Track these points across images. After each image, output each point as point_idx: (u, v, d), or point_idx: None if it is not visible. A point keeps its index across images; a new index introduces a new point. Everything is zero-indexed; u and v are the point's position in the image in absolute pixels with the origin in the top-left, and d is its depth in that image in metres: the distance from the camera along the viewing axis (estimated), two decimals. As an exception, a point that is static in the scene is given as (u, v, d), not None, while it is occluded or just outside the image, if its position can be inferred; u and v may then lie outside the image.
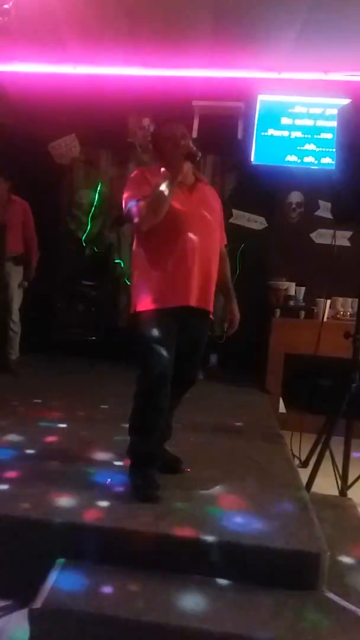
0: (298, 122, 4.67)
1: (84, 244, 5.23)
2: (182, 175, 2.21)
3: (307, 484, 2.73)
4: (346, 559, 2.19)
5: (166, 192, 2.14)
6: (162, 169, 2.25)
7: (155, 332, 2.22)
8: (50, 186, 5.04)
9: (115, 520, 2.01)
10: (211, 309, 2.38)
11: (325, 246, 4.61)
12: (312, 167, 4.67)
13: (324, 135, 4.63)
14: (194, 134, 4.69)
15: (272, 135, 4.69)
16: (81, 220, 5.26)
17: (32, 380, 4.23)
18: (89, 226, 5.25)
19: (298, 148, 4.68)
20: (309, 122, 4.67)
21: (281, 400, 4.28)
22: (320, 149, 4.66)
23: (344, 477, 2.91)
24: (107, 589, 1.80)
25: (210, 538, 1.94)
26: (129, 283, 4.66)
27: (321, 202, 4.75)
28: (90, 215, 5.24)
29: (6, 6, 3.11)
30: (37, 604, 1.71)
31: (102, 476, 2.42)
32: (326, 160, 4.59)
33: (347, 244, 4.63)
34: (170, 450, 2.60)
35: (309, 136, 4.67)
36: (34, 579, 1.84)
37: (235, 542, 1.94)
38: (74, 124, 4.94)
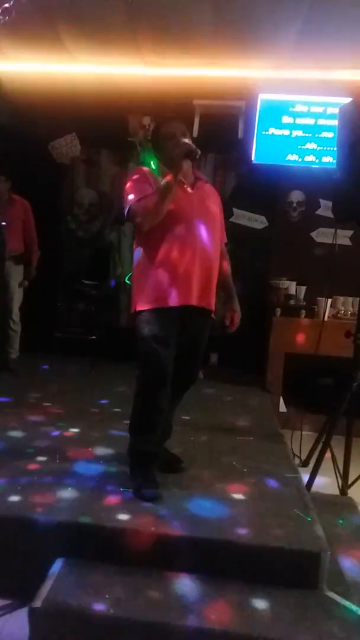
0: (299, 121, 4.66)
1: (85, 243, 5.23)
2: (182, 174, 2.21)
3: (307, 483, 2.73)
4: (347, 559, 2.19)
5: (167, 191, 2.14)
6: (165, 169, 2.24)
7: (155, 331, 2.22)
8: (50, 185, 5.04)
9: (115, 519, 2.01)
10: (213, 307, 2.37)
11: (326, 245, 4.60)
12: (313, 166, 4.66)
13: (325, 134, 4.62)
14: (195, 133, 4.68)
15: (273, 134, 4.68)
16: (81, 220, 5.26)
17: (31, 379, 4.23)
18: (89, 225, 5.25)
19: (299, 147, 4.67)
20: (310, 121, 4.65)
21: (281, 400, 4.28)
22: (321, 148, 4.64)
23: (345, 476, 2.91)
24: (106, 588, 1.80)
25: (210, 537, 1.94)
26: (129, 282, 4.67)
27: (322, 201, 4.74)
28: (90, 214, 5.24)
29: (7, 5, 3.10)
30: (37, 603, 1.71)
31: (102, 475, 2.42)
32: (327, 159, 4.58)
33: (348, 243, 4.62)
34: (171, 450, 2.60)
35: (310, 135, 4.66)
36: (34, 578, 1.84)
37: (235, 541, 1.94)
38: (74, 123, 4.93)
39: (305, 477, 2.76)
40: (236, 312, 2.46)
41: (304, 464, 3.16)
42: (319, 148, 4.65)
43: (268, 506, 2.22)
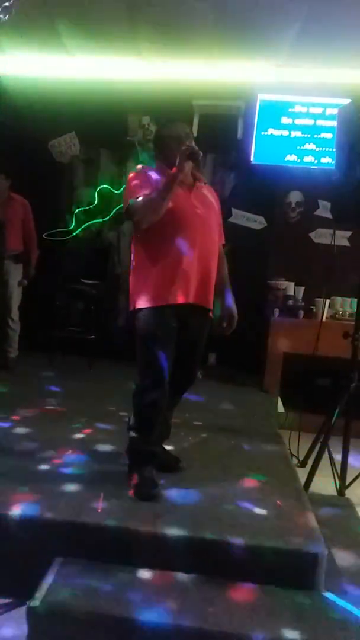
0: (298, 121, 4.67)
1: (84, 243, 5.23)
2: (182, 175, 2.21)
3: (305, 483, 2.74)
4: (344, 559, 2.19)
5: (166, 192, 2.15)
6: (166, 169, 2.25)
7: (154, 330, 2.22)
8: (50, 184, 5.04)
9: (114, 518, 2.01)
10: (211, 306, 2.38)
11: (325, 246, 4.60)
12: (311, 166, 4.67)
13: (324, 135, 4.63)
14: (194, 133, 4.68)
15: (272, 135, 4.69)
16: (81, 219, 5.26)
17: (31, 378, 4.23)
18: (88, 224, 5.25)
19: (298, 148, 4.68)
20: (309, 122, 4.66)
21: (280, 400, 4.28)
22: (320, 149, 4.65)
23: (342, 477, 2.92)
24: (105, 588, 1.80)
25: (208, 537, 1.95)
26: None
27: (321, 202, 4.75)
28: (90, 213, 5.24)
29: (6, 4, 3.10)
30: (36, 602, 1.71)
31: (101, 474, 2.42)
32: (326, 160, 4.59)
33: (347, 243, 4.63)
34: (169, 449, 2.60)
35: (309, 136, 4.67)
36: (33, 577, 1.84)
37: (233, 542, 1.94)
38: (73, 122, 4.93)
39: (303, 478, 2.77)
40: (233, 314, 2.48)
41: (302, 464, 3.17)
42: (317, 149, 4.66)
43: (266, 507, 2.23)
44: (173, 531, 1.96)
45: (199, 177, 2.42)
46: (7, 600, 1.94)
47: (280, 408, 4.24)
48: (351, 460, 2.94)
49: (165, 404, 2.30)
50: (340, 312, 4.40)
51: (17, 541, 1.99)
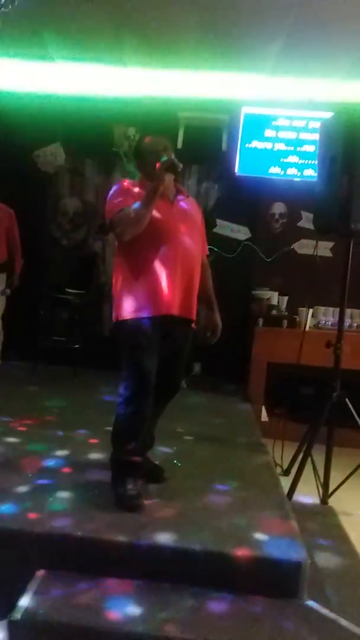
0: (281, 134, 4.75)
1: (69, 252, 5.22)
2: (164, 187, 2.24)
3: (288, 492, 2.75)
4: (327, 568, 2.20)
5: (148, 204, 2.18)
6: (147, 182, 2.27)
7: (138, 340, 2.23)
8: (35, 194, 5.03)
9: (97, 529, 2.00)
10: (194, 317, 2.40)
11: (308, 256, 4.66)
12: (294, 178, 4.74)
13: (306, 148, 4.70)
14: (179, 145, 4.73)
15: (255, 147, 4.75)
16: (66, 228, 5.26)
17: (14, 388, 4.19)
18: (73, 234, 5.25)
19: (281, 160, 4.75)
20: (292, 135, 4.74)
21: (263, 409, 4.30)
22: (303, 162, 4.73)
23: (325, 485, 2.94)
24: (87, 600, 1.79)
25: (192, 547, 1.94)
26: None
27: (304, 213, 4.81)
28: (74, 223, 5.24)
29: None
30: (16, 615, 1.69)
31: (84, 485, 2.41)
32: (309, 172, 4.66)
33: (329, 254, 4.70)
34: (153, 459, 2.60)
35: (292, 148, 4.74)
36: (13, 590, 1.82)
37: (216, 551, 1.94)
38: (59, 132, 4.94)
39: (287, 486, 2.78)
40: (217, 324, 2.50)
41: (286, 473, 3.18)
42: (300, 161, 4.74)
43: (250, 516, 2.23)
44: (156, 542, 1.95)
45: (180, 189, 2.45)
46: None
47: (264, 417, 4.26)
48: (334, 468, 2.96)
49: (149, 414, 2.31)
50: (323, 322, 4.44)
51: (-2, 553, 1.97)
